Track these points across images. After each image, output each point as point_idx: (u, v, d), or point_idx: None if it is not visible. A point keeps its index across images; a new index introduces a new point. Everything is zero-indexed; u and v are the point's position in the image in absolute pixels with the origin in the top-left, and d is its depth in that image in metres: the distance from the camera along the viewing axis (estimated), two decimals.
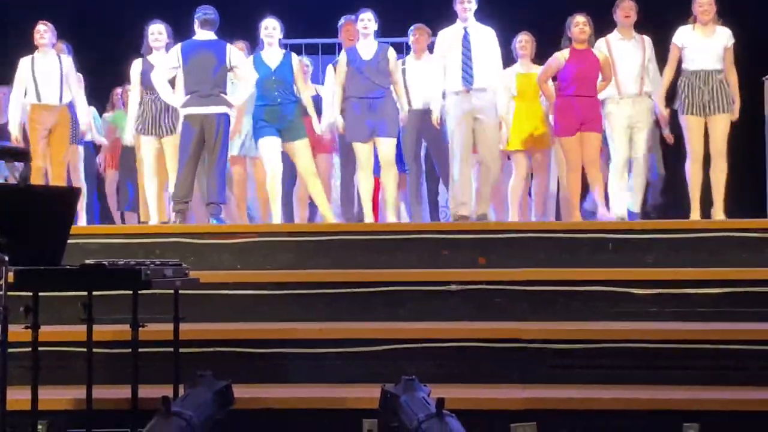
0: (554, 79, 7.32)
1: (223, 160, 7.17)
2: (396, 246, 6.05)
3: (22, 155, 3.99)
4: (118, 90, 9.15)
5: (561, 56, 7.16)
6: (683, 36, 7.08)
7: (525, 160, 7.90)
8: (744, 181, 7.96)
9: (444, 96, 7.48)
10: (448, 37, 7.43)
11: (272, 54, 7.36)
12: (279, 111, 7.26)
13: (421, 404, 3.84)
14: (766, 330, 4.92)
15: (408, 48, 8.40)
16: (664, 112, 7.31)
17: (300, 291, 5.50)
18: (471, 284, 5.42)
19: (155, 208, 7.66)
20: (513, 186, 7.92)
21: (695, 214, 7.08)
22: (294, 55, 7.48)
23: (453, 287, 5.43)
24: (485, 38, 7.40)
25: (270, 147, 7.29)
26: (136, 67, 7.65)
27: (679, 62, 7.15)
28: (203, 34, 7.25)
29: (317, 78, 8.77)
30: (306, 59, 8.51)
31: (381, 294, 5.44)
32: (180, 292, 4.43)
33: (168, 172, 7.59)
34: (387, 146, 7.28)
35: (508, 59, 7.97)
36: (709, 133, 7.04)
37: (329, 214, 7.35)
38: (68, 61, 7.84)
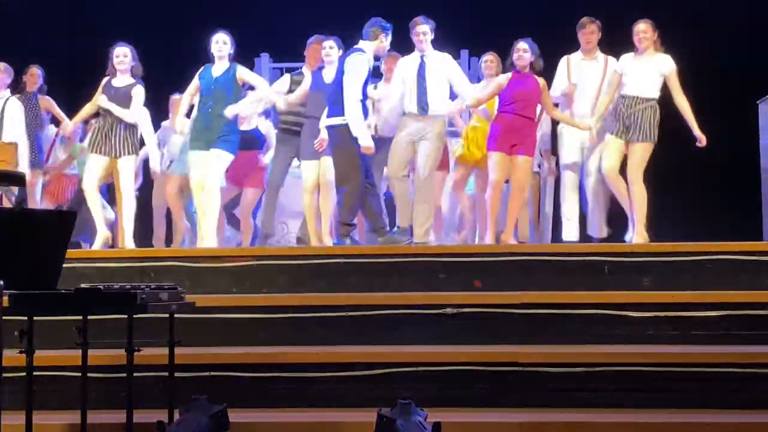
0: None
1: None
2: (391, 269, 6.04)
3: (17, 179, 3.99)
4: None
5: (504, 79, 7.33)
6: (623, 63, 7.15)
7: (464, 172, 7.98)
8: (739, 205, 7.98)
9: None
10: (406, 65, 7.50)
11: (219, 67, 7.47)
12: (208, 121, 7.35)
13: (417, 428, 3.82)
14: (764, 353, 4.91)
15: None
16: (592, 134, 7.29)
17: (295, 315, 5.48)
18: (467, 307, 5.42)
19: (103, 226, 7.55)
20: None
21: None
22: (240, 66, 7.52)
23: (449, 310, 5.42)
24: (442, 65, 7.45)
25: (198, 163, 7.36)
26: (100, 87, 7.59)
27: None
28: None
29: None
30: None
31: (377, 317, 5.43)
32: (175, 315, 4.41)
33: (122, 192, 7.48)
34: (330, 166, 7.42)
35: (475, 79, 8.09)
36: (628, 158, 7.04)
37: (207, 236, 7.28)
38: (13, 101, 7.95)
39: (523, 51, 7.26)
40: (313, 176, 7.65)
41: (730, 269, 5.84)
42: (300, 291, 5.91)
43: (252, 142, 8.19)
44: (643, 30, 7.06)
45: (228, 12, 10.74)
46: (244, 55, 7.91)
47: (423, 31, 7.41)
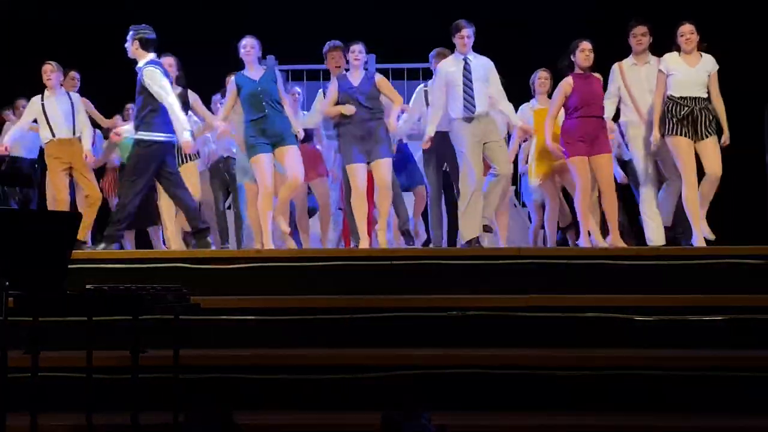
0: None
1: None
2: (398, 272, 6.03)
3: (23, 180, 3.99)
4: (129, 105, 9.18)
5: (567, 86, 7.28)
6: (668, 63, 7.14)
7: (553, 189, 7.91)
8: (746, 209, 7.95)
9: (451, 122, 7.54)
10: (450, 67, 7.55)
11: (254, 69, 7.49)
12: (268, 122, 7.34)
13: (422, 431, 3.82)
14: None
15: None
16: (657, 139, 7.26)
17: (301, 317, 5.48)
18: (473, 310, 5.41)
19: (172, 232, 7.69)
20: (549, 217, 7.96)
21: (701, 240, 7.04)
22: (277, 72, 7.59)
23: (455, 313, 5.41)
24: (485, 67, 7.53)
25: (263, 165, 7.35)
26: None
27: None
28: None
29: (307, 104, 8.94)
30: (298, 88, 8.64)
31: (382, 320, 5.43)
32: (181, 317, 4.40)
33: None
34: (383, 167, 7.39)
35: (524, 95, 8.06)
36: (703, 157, 7.05)
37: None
38: (76, 96, 8.24)
39: (589, 51, 7.26)
40: (361, 179, 7.49)
41: (737, 273, 5.82)
42: (306, 293, 5.90)
43: (306, 135, 8.21)
44: (690, 30, 7.12)
45: (234, 13, 10.80)
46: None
47: (467, 34, 7.48)
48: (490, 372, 4.89)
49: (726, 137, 7.07)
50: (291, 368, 4.96)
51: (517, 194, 9.62)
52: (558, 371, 4.85)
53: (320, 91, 8.09)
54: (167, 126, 7.19)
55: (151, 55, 7.28)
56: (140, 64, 7.25)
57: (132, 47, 7.27)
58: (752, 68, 8.09)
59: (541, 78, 8.10)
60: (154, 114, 7.17)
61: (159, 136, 7.17)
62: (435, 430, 3.85)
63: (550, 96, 7.89)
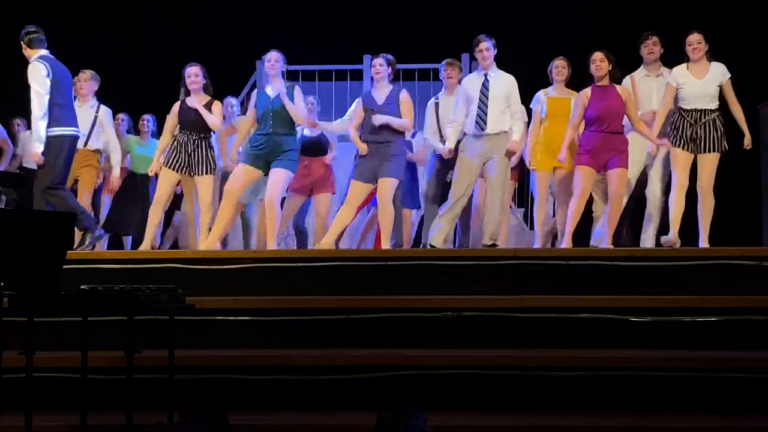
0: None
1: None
2: (391, 273, 6.03)
3: (17, 180, 4.00)
4: (146, 117, 9.18)
5: (585, 97, 7.20)
6: (677, 76, 7.11)
7: (548, 181, 7.83)
8: (740, 209, 7.96)
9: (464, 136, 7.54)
10: (470, 84, 7.55)
11: (277, 83, 7.47)
12: (270, 140, 7.33)
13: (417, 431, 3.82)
14: (764, 358, 4.91)
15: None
16: (655, 150, 7.29)
17: (297, 317, 5.48)
18: (468, 311, 5.41)
19: (150, 235, 7.65)
20: (537, 208, 7.90)
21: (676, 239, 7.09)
22: (297, 88, 7.55)
23: (450, 314, 5.42)
24: (505, 85, 7.47)
25: (238, 172, 7.40)
26: (174, 108, 7.67)
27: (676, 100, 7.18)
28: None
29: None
30: (312, 98, 8.57)
31: (377, 321, 5.43)
32: (176, 318, 4.41)
33: (205, 208, 7.57)
34: (386, 186, 7.36)
35: (541, 82, 8.06)
36: (698, 171, 7.04)
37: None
38: (104, 111, 8.26)
39: (600, 60, 7.12)
40: (357, 195, 7.48)
41: (731, 274, 5.83)
42: (300, 294, 5.90)
43: (319, 147, 8.28)
44: (697, 40, 7.05)
45: (234, 13, 10.81)
46: (246, 58, 7.95)
47: (485, 47, 7.44)
48: (486, 373, 4.89)
49: (748, 140, 7.08)
50: (286, 369, 4.96)
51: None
52: (553, 372, 4.86)
53: (357, 100, 8.03)
54: (72, 120, 7.13)
55: (42, 52, 7.14)
56: (30, 62, 7.15)
57: (23, 49, 7.19)
58: (746, 69, 8.09)
59: (558, 66, 7.89)
60: (56, 108, 7.01)
61: (66, 130, 7.03)
62: (430, 430, 3.86)
63: (567, 85, 7.87)
